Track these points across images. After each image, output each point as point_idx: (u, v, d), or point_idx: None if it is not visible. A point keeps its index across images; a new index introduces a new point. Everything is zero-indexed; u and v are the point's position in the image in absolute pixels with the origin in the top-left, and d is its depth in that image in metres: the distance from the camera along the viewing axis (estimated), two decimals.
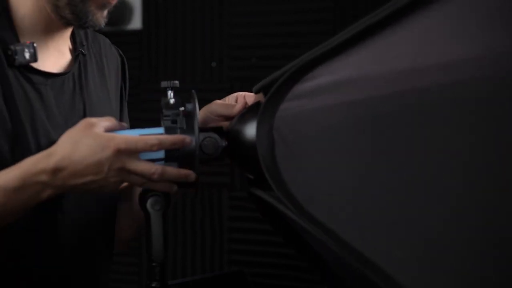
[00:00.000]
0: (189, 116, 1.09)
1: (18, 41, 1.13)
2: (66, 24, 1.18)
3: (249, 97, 1.19)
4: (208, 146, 1.11)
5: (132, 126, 1.41)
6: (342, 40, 0.89)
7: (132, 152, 1.00)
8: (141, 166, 1.01)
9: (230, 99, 1.23)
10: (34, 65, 1.13)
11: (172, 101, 1.08)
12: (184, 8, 2.41)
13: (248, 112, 1.12)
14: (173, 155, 1.06)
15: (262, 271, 2.31)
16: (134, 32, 2.45)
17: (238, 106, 1.16)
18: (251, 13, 2.36)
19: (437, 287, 0.82)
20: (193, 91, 1.16)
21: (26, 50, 1.11)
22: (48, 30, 1.17)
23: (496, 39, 0.73)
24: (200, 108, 1.18)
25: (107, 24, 1.21)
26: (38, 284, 1.15)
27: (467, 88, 0.75)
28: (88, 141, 0.99)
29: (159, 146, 1.02)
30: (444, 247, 0.81)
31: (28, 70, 1.13)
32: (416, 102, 0.80)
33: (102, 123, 1.03)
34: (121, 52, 1.39)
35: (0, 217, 1.03)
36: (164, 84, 1.10)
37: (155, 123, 1.13)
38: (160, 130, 1.07)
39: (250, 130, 1.07)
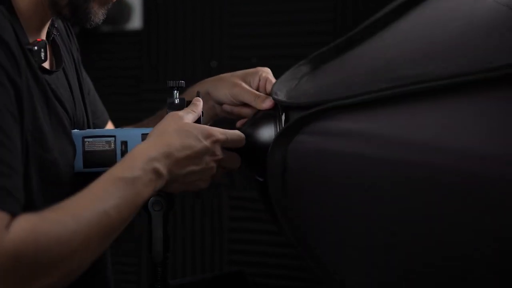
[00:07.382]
0: None
1: (27, 38, 1.03)
2: (62, 20, 1.15)
3: (270, 83, 1.23)
4: None
5: (132, 126, 1.41)
6: (374, 97, 0.90)
7: (225, 144, 1.08)
8: (226, 154, 1.09)
9: (254, 78, 1.27)
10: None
11: (176, 101, 1.09)
12: (184, 8, 2.41)
13: (263, 119, 1.14)
14: None
15: (262, 271, 2.31)
16: (134, 32, 2.45)
17: (268, 104, 1.17)
18: (251, 13, 2.36)
19: None
20: (199, 91, 1.17)
21: (42, 49, 1.05)
22: (42, 24, 1.11)
23: None
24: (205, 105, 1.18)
25: (107, 23, 1.19)
26: None
27: (479, 183, 0.78)
28: (189, 130, 1.02)
29: (242, 143, 1.11)
30: None
31: (41, 71, 1.06)
32: (424, 177, 0.83)
33: (189, 115, 1.06)
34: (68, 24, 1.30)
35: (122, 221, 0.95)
36: (170, 83, 1.11)
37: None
38: None
39: (264, 135, 1.10)
